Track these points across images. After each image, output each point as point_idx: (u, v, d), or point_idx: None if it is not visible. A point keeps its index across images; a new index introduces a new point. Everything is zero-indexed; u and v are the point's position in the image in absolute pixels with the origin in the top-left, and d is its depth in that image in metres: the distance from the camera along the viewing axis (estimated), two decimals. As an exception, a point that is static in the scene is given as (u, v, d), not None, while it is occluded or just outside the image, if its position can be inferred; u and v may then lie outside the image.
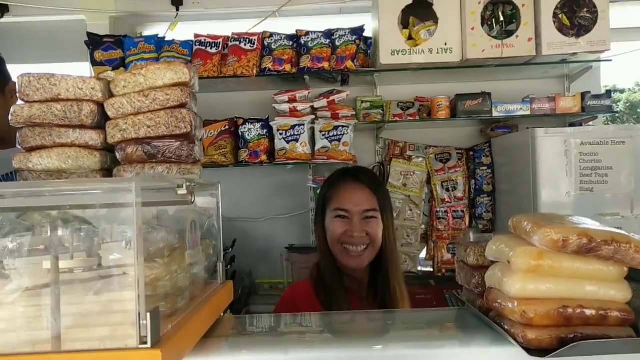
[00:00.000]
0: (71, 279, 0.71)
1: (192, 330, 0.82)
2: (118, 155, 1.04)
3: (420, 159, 3.07)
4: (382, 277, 1.63)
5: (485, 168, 3.01)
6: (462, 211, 3.00)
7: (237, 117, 2.91)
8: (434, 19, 2.67)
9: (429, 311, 1.30)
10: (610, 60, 2.77)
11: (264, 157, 2.82)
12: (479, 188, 3.01)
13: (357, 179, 1.66)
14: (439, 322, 1.01)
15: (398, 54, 2.67)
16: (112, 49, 2.84)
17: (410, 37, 2.70)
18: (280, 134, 2.80)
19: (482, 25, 2.67)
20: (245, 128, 2.85)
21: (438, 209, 3.03)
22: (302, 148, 2.77)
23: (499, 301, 0.85)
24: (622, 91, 12.86)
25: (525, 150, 2.57)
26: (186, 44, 2.87)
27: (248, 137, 2.84)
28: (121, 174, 1.03)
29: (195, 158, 1.06)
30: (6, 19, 3.12)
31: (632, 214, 2.35)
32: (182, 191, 0.90)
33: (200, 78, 2.78)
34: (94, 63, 2.83)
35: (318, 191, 1.87)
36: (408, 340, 0.90)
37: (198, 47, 2.85)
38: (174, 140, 1.04)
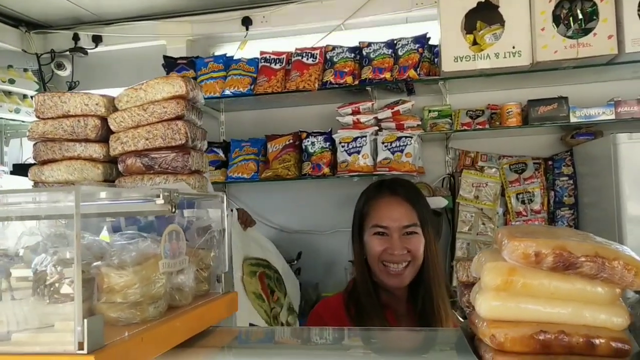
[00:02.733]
0: (25, 286, 0.75)
1: (154, 339, 0.83)
2: (119, 167, 1.09)
3: (493, 170, 2.88)
4: (424, 294, 1.54)
5: (566, 178, 2.76)
6: (541, 225, 2.76)
7: (300, 131, 2.94)
8: (500, 21, 2.52)
9: (423, 331, 1.20)
10: None
11: (326, 170, 2.81)
12: (559, 200, 2.77)
13: (394, 192, 1.56)
14: (434, 343, 0.92)
15: (462, 60, 2.55)
16: (185, 69, 3.01)
17: (474, 42, 2.57)
18: (342, 147, 2.79)
19: (557, 25, 2.47)
20: (308, 141, 2.88)
21: (513, 223, 2.82)
22: (363, 160, 2.73)
23: (475, 322, 0.76)
24: None
25: (607, 158, 2.32)
26: (252, 61, 2.96)
27: (311, 150, 2.86)
28: (122, 185, 1.08)
29: (190, 168, 1.08)
30: (100, 48, 3.44)
31: None
32: (160, 201, 0.92)
33: (264, 94, 2.90)
34: (169, 84, 3.01)
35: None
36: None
37: (263, 63, 2.93)
38: (169, 152, 1.07)
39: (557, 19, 2.47)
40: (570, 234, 0.77)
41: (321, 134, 2.89)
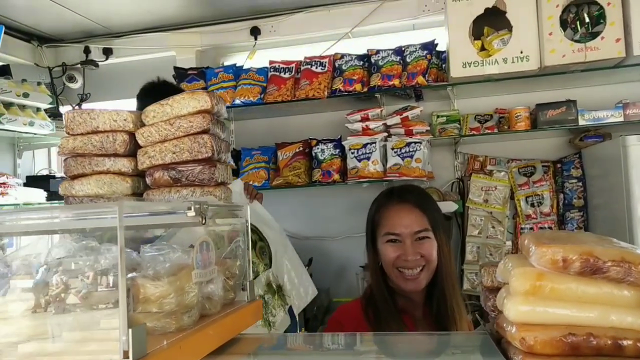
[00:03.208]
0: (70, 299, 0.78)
1: (190, 347, 0.85)
2: (147, 180, 1.12)
3: (502, 173, 2.91)
4: (438, 297, 1.57)
5: (575, 181, 2.78)
6: (550, 227, 2.79)
7: (310, 139, 2.97)
8: (508, 27, 2.55)
9: (448, 335, 1.23)
10: None
11: (336, 177, 2.84)
12: (568, 202, 2.79)
13: (404, 199, 1.59)
14: (452, 347, 0.95)
15: (470, 66, 2.58)
16: (195, 80, 3.05)
17: (482, 48, 2.60)
18: (352, 153, 2.82)
19: (563, 30, 2.49)
20: (318, 148, 2.91)
21: (523, 226, 2.84)
22: (373, 166, 2.76)
23: (504, 326, 0.79)
24: None
25: (616, 160, 2.34)
26: (262, 70, 3.00)
27: (321, 157, 2.89)
28: (150, 198, 1.11)
29: (216, 180, 1.11)
30: (110, 60, 3.49)
31: None
32: (191, 213, 0.95)
33: (274, 102, 2.93)
34: (180, 94, 3.05)
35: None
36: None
37: (273, 72, 2.97)
38: (196, 165, 1.10)
39: (564, 24, 2.50)
40: (594, 239, 0.80)
41: (331, 141, 2.92)
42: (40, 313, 0.80)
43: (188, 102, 1.11)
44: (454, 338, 1.08)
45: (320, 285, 3.02)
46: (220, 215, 1.11)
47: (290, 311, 2.19)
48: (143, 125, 1.14)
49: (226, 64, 3.27)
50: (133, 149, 1.14)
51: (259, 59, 3.16)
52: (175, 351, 0.81)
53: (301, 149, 2.95)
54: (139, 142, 1.13)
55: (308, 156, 2.95)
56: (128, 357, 0.72)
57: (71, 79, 3.49)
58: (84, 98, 3.51)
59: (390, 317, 1.53)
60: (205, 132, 1.11)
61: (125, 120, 1.12)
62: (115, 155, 1.12)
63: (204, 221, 0.98)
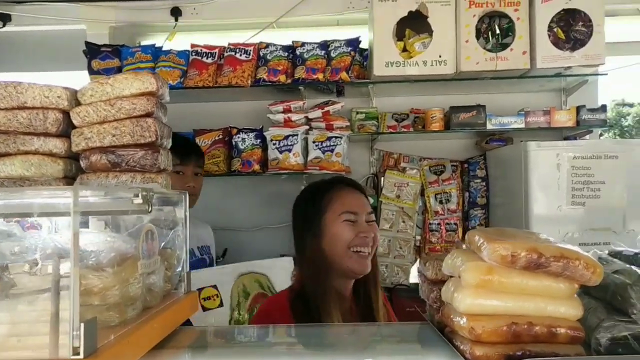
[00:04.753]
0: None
1: (137, 341, 0.82)
2: (82, 163, 1.05)
3: (415, 171, 3.05)
4: (366, 288, 1.61)
5: (479, 181, 2.99)
6: (455, 224, 2.98)
7: (231, 127, 2.92)
8: (429, 31, 2.67)
9: (391, 325, 1.28)
10: (606, 74, 2.75)
11: (256, 167, 2.82)
12: (472, 201, 2.99)
13: (350, 184, 1.67)
14: (398, 337, 0.99)
15: (392, 66, 2.67)
16: (109, 58, 2.87)
17: (404, 49, 2.71)
18: (274, 144, 2.81)
19: (478, 39, 2.66)
20: (239, 137, 2.87)
21: (431, 221, 3.01)
22: (294, 158, 2.77)
23: (451, 317, 0.84)
24: (631, 105, 12.72)
25: (518, 164, 2.55)
26: (183, 53, 2.89)
27: (241, 147, 2.85)
28: (84, 183, 1.04)
29: (159, 167, 1.07)
30: (8, 28, 3.17)
31: (624, 229, 2.32)
32: (138, 200, 0.91)
33: (195, 88, 2.85)
34: (91, 72, 2.86)
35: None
36: (362, 354, 0.89)
37: (194, 57, 2.87)
38: (138, 149, 1.04)
39: (479, 33, 2.66)
40: (530, 235, 0.87)
41: (252, 130, 2.89)
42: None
43: (131, 83, 1.05)
44: (397, 328, 1.13)
45: (235, 276, 3.00)
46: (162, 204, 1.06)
47: None
48: (79, 104, 1.06)
49: (143, 43, 3.11)
50: (66, 129, 1.06)
51: (179, 42, 3.03)
52: (123, 346, 0.77)
53: (221, 136, 2.88)
54: (74, 122, 1.05)
55: (228, 145, 2.90)
56: (78, 354, 0.68)
57: (-39, 45, 3.13)
58: (-24, 68, 3.16)
59: (330, 307, 1.52)
60: (149, 115, 1.05)
61: (59, 97, 1.04)
62: (46, 134, 1.04)
63: (150, 209, 0.94)
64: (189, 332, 1.08)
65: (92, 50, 2.89)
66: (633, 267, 0.85)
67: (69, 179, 1.06)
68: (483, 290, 0.79)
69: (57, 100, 1.04)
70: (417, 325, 0.99)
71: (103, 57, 2.88)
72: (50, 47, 3.22)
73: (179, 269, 1.12)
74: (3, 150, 1.03)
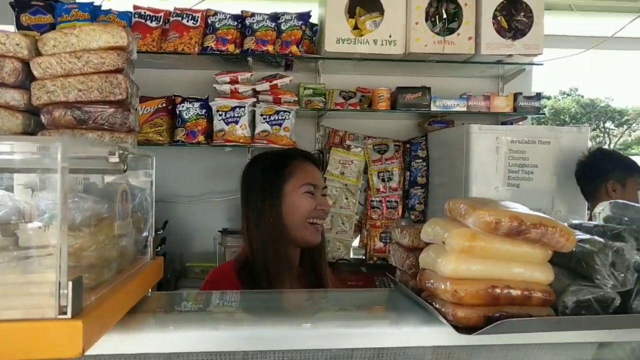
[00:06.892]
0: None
1: (117, 304, 0.78)
2: (43, 118, 0.97)
3: (359, 149, 3.09)
4: (313, 256, 1.64)
5: (420, 161, 3.08)
6: (396, 202, 3.06)
7: (175, 95, 2.82)
8: (380, 10, 2.69)
9: (360, 292, 1.31)
10: (542, 64, 2.90)
11: (201, 138, 2.75)
12: (413, 180, 3.09)
13: (309, 158, 1.68)
14: (371, 303, 1.02)
15: (343, 43, 2.67)
16: (40, 13, 2.66)
17: (355, 27, 2.71)
18: (220, 115, 2.74)
19: (426, 21, 2.72)
20: (183, 107, 2.77)
21: (373, 199, 3.07)
22: (241, 130, 2.72)
23: (431, 281, 0.87)
24: (548, 98, 13.57)
25: (459, 145, 2.65)
26: (124, 15, 2.74)
27: (186, 117, 2.76)
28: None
29: (129, 127, 1.01)
30: None
31: (553, 209, 2.49)
32: (114, 159, 0.86)
33: (138, 52, 2.70)
34: (20, 27, 2.64)
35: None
36: (338, 319, 0.91)
37: (137, 19, 2.73)
38: (107, 107, 0.98)
39: (427, 15, 2.72)
40: (508, 204, 0.92)
41: (197, 100, 2.80)
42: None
43: (99, 35, 0.98)
44: (374, 295, 1.15)
45: (174, 249, 2.93)
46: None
47: None
48: (39, 54, 0.98)
49: (81, 0, 2.90)
50: (24, 81, 0.97)
51: (121, 1, 2.86)
52: (105, 308, 0.74)
53: (164, 105, 2.77)
54: (35, 73, 0.96)
55: (171, 114, 2.79)
56: (65, 313, 0.64)
57: None
58: None
59: (284, 273, 1.52)
60: (119, 71, 0.99)
61: (17, 44, 0.95)
62: (3, 85, 0.95)
63: (126, 168, 0.89)
64: (158, 297, 1.05)
65: (21, 3, 2.67)
66: (595, 237, 0.91)
67: (28, 135, 0.99)
68: (466, 256, 0.82)
69: (15, 48, 0.95)
70: (388, 292, 1.01)
71: (34, 11, 2.67)
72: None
73: (145, 233, 1.07)
74: (-47, 100, 0.93)
